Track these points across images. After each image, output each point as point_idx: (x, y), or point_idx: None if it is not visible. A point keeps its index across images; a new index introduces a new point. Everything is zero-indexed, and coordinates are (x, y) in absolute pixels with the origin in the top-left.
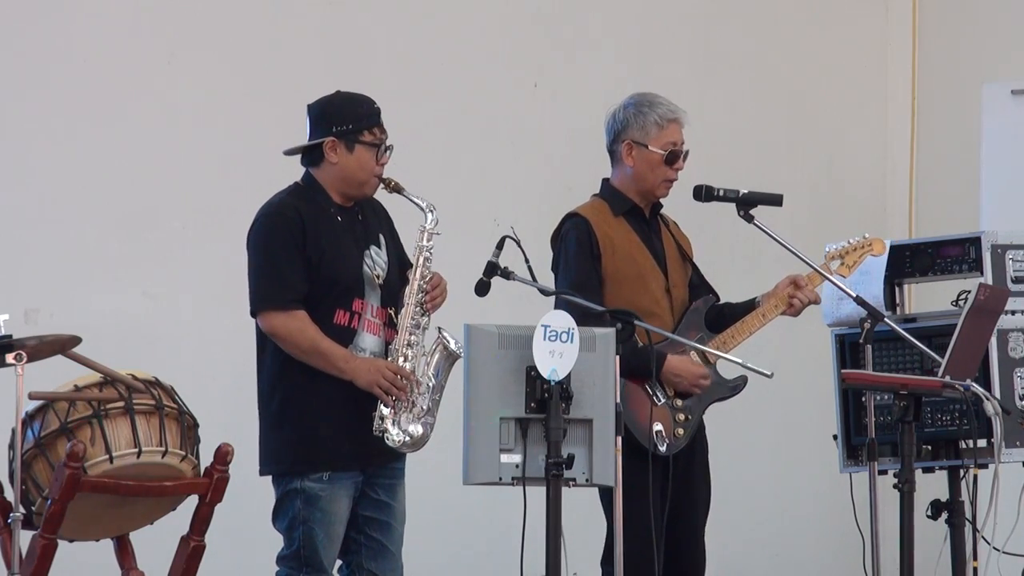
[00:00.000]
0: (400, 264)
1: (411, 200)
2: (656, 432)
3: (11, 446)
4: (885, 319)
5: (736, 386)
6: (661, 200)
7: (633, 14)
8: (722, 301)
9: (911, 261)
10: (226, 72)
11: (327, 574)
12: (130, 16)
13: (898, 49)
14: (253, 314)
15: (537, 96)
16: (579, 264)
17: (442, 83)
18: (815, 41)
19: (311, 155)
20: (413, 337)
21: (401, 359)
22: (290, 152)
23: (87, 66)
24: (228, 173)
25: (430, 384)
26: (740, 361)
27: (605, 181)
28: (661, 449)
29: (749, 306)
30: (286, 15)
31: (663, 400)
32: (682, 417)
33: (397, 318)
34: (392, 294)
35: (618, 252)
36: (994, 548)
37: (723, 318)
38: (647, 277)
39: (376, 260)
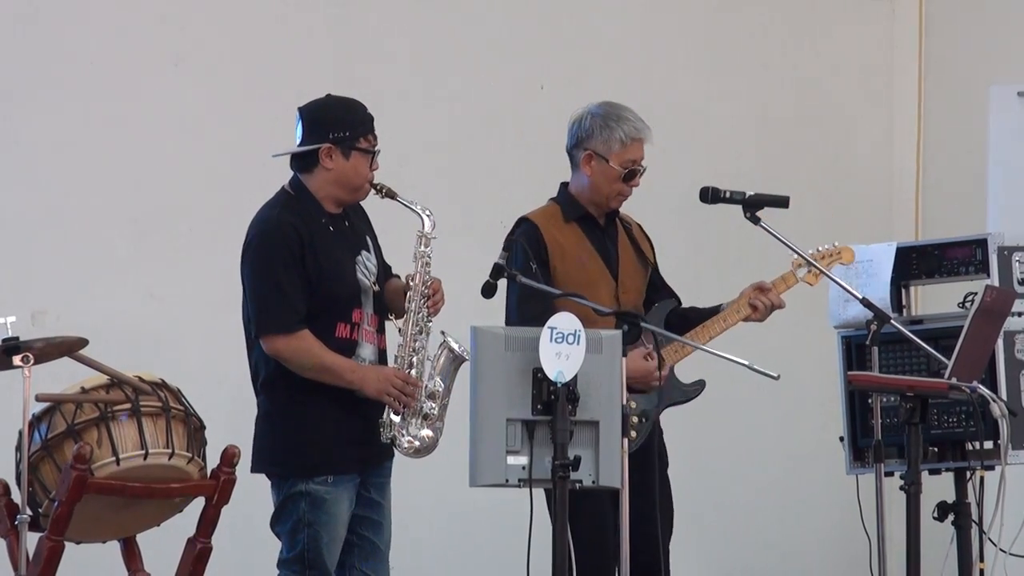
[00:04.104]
0: (384, 267)
1: (406, 205)
2: None
3: (18, 448)
4: (892, 321)
5: (695, 390)
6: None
7: (640, 15)
8: (687, 305)
9: (917, 263)
10: (233, 75)
11: None
12: (137, 19)
13: (905, 50)
14: (257, 337)
15: (544, 97)
16: (526, 269)
17: (449, 85)
18: (821, 42)
19: (303, 160)
20: (417, 343)
21: (407, 366)
22: (281, 156)
23: (93, 69)
24: (235, 176)
25: (437, 389)
26: (747, 363)
27: (563, 185)
28: None
29: (715, 311)
30: (292, 17)
31: None
32: (635, 419)
33: (399, 326)
34: (381, 300)
35: (567, 257)
36: (1000, 550)
37: (687, 322)
38: (596, 282)
39: (368, 267)
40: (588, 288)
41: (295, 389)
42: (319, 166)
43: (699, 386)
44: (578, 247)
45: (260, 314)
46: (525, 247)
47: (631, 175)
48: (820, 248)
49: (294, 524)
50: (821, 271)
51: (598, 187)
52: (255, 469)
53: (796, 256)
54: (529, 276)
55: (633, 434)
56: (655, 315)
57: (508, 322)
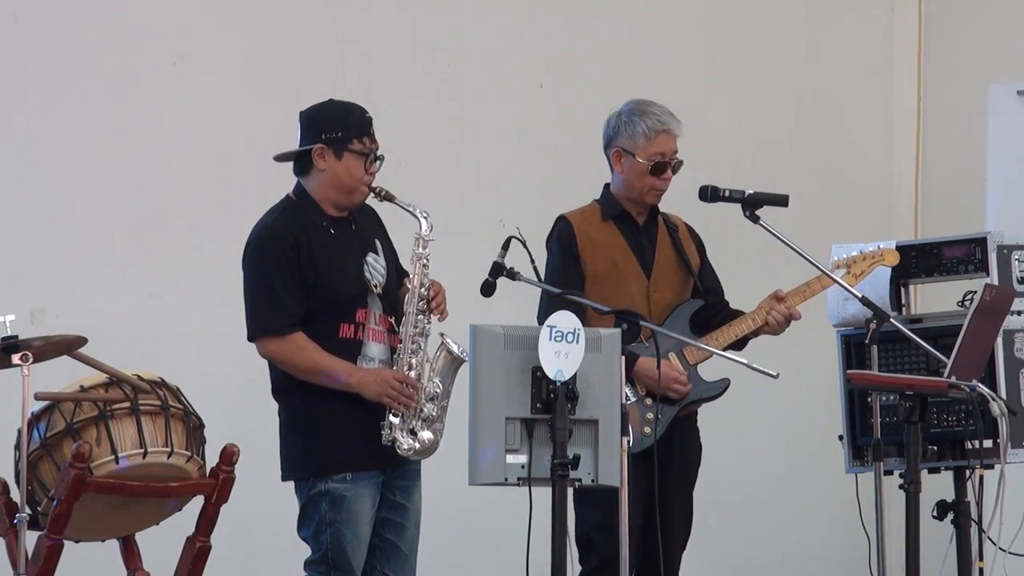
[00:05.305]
0: (397, 269)
1: (403, 208)
2: None
3: (17, 447)
4: (891, 319)
5: (720, 388)
6: (657, 205)
7: (639, 14)
8: (730, 306)
9: (917, 261)
10: (232, 73)
11: None
12: (136, 17)
13: (904, 49)
14: (250, 339)
15: (543, 96)
16: (559, 266)
17: (448, 83)
18: (820, 41)
19: (301, 163)
20: (416, 345)
21: (406, 367)
22: (280, 158)
23: (93, 67)
24: (234, 174)
25: (436, 390)
26: (746, 361)
27: (606, 186)
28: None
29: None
30: (292, 16)
31: (633, 398)
32: (650, 416)
33: (399, 327)
34: (392, 300)
35: (598, 253)
36: (1000, 549)
37: (721, 323)
38: (627, 280)
39: (375, 267)
40: (618, 285)
41: (306, 392)
42: (314, 168)
43: (724, 384)
44: (611, 245)
45: (252, 317)
46: (557, 242)
47: (660, 168)
48: (862, 250)
49: (317, 525)
50: (820, 269)
51: (630, 183)
52: (283, 477)
53: (836, 257)
54: (560, 269)
55: (647, 430)
56: (679, 315)
57: (540, 311)
